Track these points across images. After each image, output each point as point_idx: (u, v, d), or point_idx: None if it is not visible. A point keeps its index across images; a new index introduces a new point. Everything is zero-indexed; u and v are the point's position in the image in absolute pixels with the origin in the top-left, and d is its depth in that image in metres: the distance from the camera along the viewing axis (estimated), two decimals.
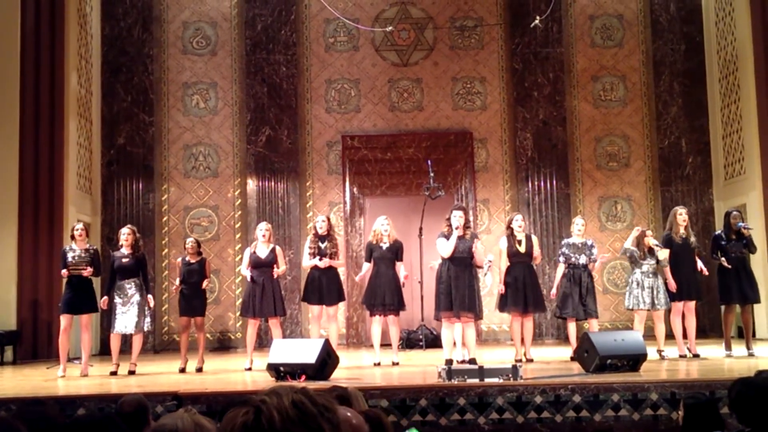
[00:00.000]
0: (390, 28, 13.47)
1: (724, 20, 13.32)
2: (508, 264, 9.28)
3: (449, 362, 8.19)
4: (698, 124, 13.77)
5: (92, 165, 13.11)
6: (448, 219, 8.58)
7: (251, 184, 13.56)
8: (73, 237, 8.93)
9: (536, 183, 13.53)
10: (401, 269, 9.30)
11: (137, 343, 8.95)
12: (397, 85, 13.84)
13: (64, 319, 8.69)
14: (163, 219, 13.46)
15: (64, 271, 8.74)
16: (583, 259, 9.27)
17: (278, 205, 13.46)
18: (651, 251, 9.17)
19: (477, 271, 8.67)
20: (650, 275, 9.18)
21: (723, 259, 9.24)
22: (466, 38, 13.93)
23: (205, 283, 9.34)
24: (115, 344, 8.94)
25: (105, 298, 9.09)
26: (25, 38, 11.61)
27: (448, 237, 8.49)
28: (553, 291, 9.47)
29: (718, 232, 9.74)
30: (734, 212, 9.65)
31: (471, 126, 13.72)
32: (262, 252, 9.18)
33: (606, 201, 13.67)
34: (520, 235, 9.37)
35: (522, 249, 9.28)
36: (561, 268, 9.40)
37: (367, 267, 9.44)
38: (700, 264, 9.34)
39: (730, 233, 9.41)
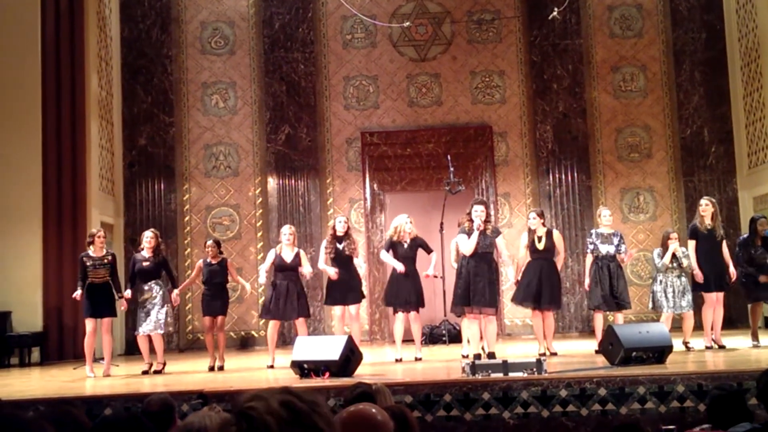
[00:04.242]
0: (407, 23, 13.45)
1: (745, 7, 13.16)
2: (529, 259, 9.23)
3: (477, 356, 8.18)
4: (720, 113, 13.62)
5: (114, 167, 13.21)
6: (469, 213, 8.54)
7: (272, 183, 13.60)
8: (90, 244, 8.97)
9: (557, 176, 13.46)
10: (432, 262, 9.36)
11: (159, 342, 9.01)
12: (416, 81, 13.81)
13: (90, 323, 8.76)
14: (185, 219, 13.54)
15: (77, 294, 8.81)
16: (609, 249, 9.18)
17: (299, 202, 13.49)
18: (675, 255, 9.11)
19: (498, 266, 8.64)
20: (674, 277, 9.11)
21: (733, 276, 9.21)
22: (483, 32, 13.88)
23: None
24: (143, 345, 9.04)
25: (124, 298, 9.14)
26: (46, 42, 11.71)
27: (469, 233, 8.45)
28: (587, 282, 9.36)
29: (744, 236, 9.62)
30: (761, 218, 9.52)
31: (490, 120, 13.67)
32: (288, 255, 9.20)
33: (628, 192, 13.57)
34: (541, 231, 9.30)
35: (541, 246, 9.20)
36: (589, 259, 9.33)
37: (387, 257, 9.46)
38: (731, 269, 9.20)
39: (755, 239, 9.30)
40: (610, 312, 9.33)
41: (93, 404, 6.32)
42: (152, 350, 9.08)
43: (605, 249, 9.17)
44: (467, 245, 8.37)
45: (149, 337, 8.99)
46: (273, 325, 9.24)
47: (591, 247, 9.30)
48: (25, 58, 11.59)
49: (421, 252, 9.52)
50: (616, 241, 9.22)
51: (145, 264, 9.02)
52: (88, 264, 8.83)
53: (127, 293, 9.12)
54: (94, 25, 12.51)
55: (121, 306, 9.19)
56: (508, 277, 9.22)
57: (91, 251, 8.91)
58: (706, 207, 9.34)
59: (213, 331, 9.31)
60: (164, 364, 9.01)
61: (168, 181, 13.54)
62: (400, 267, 9.21)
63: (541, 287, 9.15)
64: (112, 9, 13.50)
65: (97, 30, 12.70)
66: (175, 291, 9.21)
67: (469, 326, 8.63)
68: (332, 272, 9.18)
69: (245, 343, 13.18)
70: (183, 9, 13.91)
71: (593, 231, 9.51)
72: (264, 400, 1.58)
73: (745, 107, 13.25)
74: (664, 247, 9.21)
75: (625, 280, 9.25)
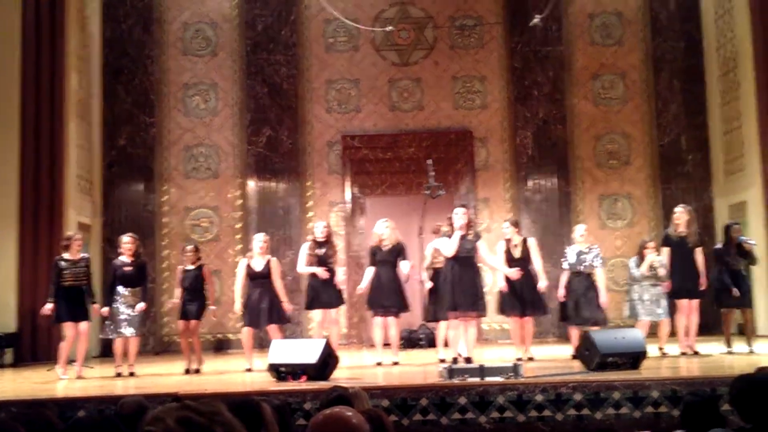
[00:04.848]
0: (390, 27, 13.46)
1: (723, 18, 13.31)
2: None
3: (455, 360, 8.19)
4: (698, 122, 13.76)
5: (93, 167, 13.12)
6: (450, 218, 8.56)
7: (252, 185, 13.56)
8: (67, 247, 8.86)
9: (537, 181, 13.53)
10: (407, 267, 9.30)
11: (134, 346, 8.93)
12: (398, 85, 13.84)
13: (69, 328, 8.65)
14: (163, 220, 13.47)
15: (49, 308, 8.64)
16: (583, 265, 9.19)
17: (278, 205, 13.47)
18: (651, 264, 9.16)
19: (480, 269, 8.65)
20: (649, 286, 9.17)
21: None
22: (466, 37, 13.93)
23: (211, 307, 9.38)
24: (118, 348, 8.92)
25: (106, 309, 8.98)
26: (26, 40, 11.62)
27: (450, 236, 8.47)
28: (561, 293, 9.32)
29: (718, 245, 9.67)
30: (735, 225, 9.61)
31: (471, 125, 13.72)
32: (258, 264, 9.14)
33: (606, 199, 13.67)
34: (516, 240, 9.34)
35: (517, 254, 9.25)
36: (564, 275, 9.34)
37: (368, 272, 9.41)
38: (702, 278, 9.25)
39: (730, 247, 9.37)
40: (578, 326, 9.33)
41: (66, 406, 6.27)
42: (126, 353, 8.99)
43: (579, 266, 9.20)
44: (449, 247, 8.38)
45: (125, 341, 8.91)
46: (247, 332, 9.19)
47: (566, 265, 9.34)
48: (4, 56, 11.48)
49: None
50: (590, 256, 9.23)
51: (126, 269, 8.89)
52: (63, 266, 8.71)
53: (105, 310, 8.96)
54: (75, 24, 12.42)
55: (95, 314, 9.03)
56: (485, 282, 9.19)
57: (67, 255, 8.81)
58: (680, 215, 9.42)
59: (188, 334, 9.25)
60: (133, 367, 8.89)
61: (147, 182, 13.47)
62: (361, 286, 9.35)
63: (523, 295, 9.17)
64: (94, 8, 13.41)
65: (78, 29, 12.62)
66: (142, 304, 9.00)
67: (450, 329, 8.62)
68: (320, 271, 9.16)
69: (221, 346, 13.11)
70: (165, 9, 13.86)
71: (569, 248, 9.54)
72: (161, 420, 1.58)
73: (722, 116, 13.40)
74: (641, 255, 9.26)
75: (597, 299, 9.18)
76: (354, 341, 13.04)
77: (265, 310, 8.99)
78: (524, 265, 9.26)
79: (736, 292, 9.09)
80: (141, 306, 8.91)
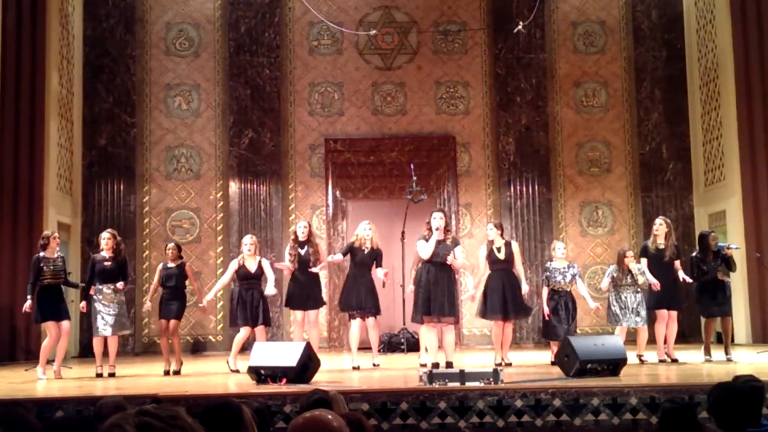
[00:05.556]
0: (374, 31, 13.49)
1: (705, 28, 13.44)
2: (489, 271, 9.27)
3: (435, 365, 8.19)
4: (679, 131, 13.87)
5: (73, 166, 13.02)
6: (429, 222, 8.60)
7: (233, 187, 13.52)
8: (44, 246, 8.78)
9: (518, 188, 13.57)
10: (381, 275, 9.32)
11: (113, 345, 8.88)
12: (381, 89, 13.85)
13: (52, 328, 8.57)
14: (144, 221, 13.39)
15: (28, 305, 8.61)
16: (563, 282, 9.22)
17: (260, 207, 13.43)
18: (630, 272, 9.21)
19: (456, 274, 8.67)
20: (629, 294, 9.22)
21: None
22: (449, 43, 13.97)
23: (204, 300, 9.41)
24: (98, 347, 8.86)
25: (83, 303, 9.00)
26: (6, 38, 11.52)
27: (428, 240, 8.50)
28: (546, 311, 9.33)
29: (694, 254, 9.70)
30: (711, 233, 9.67)
31: (454, 130, 13.75)
32: (251, 266, 9.18)
33: (587, 206, 13.73)
34: (499, 242, 9.36)
35: (501, 256, 9.26)
36: (545, 291, 9.37)
37: (340, 257, 9.71)
38: (682, 275, 9.33)
39: (707, 256, 9.42)
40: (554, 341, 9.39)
41: (44, 406, 6.20)
42: (106, 353, 8.93)
43: (559, 282, 9.23)
44: (425, 249, 8.41)
45: (105, 339, 8.85)
46: (245, 332, 9.17)
47: (546, 281, 9.37)
48: None
49: (386, 258, 9.57)
50: (569, 274, 9.27)
51: (106, 264, 8.86)
52: (44, 266, 8.64)
53: (82, 305, 8.99)
54: (56, 22, 12.34)
55: (82, 309, 9.05)
56: (467, 287, 9.24)
57: (44, 254, 8.73)
58: (659, 227, 9.47)
59: (168, 334, 9.21)
60: (114, 368, 8.84)
61: (128, 182, 13.39)
62: (337, 258, 9.62)
63: (506, 298, 9.17)
64: (75, 7, 13.34)
65: (60, 27, 12.54)
66: (121, 283, 8.93)
67: (427, 334, 8.64)
68: (288, 265, 9.32)
69: (197, 348, 13.04)
70: (148, 9, 13.79)
71: (548, 264, 9.58)
72: (119, 427, 1.57)
73: (702, 126, 13.51)
74: (620, 264, 9.30)
75: (575, 314, 9.27)
76: (335, 344, 13.02)
77: (256, 310, 9.03)
78: (508, 267, 9.29)
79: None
80: (120, 284, 8.85)
